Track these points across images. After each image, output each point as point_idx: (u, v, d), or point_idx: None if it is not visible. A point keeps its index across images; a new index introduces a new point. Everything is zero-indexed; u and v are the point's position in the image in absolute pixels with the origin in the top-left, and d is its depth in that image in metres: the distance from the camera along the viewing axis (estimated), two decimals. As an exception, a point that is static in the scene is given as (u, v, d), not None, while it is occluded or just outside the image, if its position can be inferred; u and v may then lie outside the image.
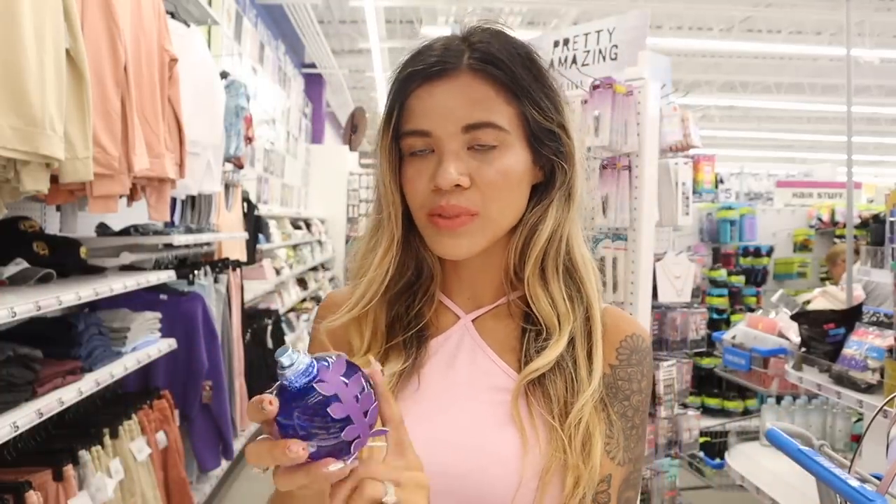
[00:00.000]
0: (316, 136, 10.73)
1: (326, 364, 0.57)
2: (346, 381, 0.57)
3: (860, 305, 2.82)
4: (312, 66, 9.71)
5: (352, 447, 0.57)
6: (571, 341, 0.82)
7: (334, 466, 0.57)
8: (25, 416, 1.80)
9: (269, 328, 5.22)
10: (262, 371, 4.85)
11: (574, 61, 2.54)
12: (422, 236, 0.84)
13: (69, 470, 2.08)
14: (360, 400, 0.57)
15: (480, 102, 0.78)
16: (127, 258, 2.98)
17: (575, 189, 0.84)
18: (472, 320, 0.87)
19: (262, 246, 5.87)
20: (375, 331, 0.85)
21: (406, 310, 0.86)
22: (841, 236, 5.02)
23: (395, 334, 0.85)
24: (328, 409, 0.55)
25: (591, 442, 0.78)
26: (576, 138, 0.85)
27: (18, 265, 2.13)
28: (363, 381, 0.59)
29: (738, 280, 4.57)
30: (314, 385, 0.55)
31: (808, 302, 3.88)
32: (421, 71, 0.80)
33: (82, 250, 2.46)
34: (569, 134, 0.84)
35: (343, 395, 0.56)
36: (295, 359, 0.55)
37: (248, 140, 4.31)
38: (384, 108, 0.84)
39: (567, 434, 0.77)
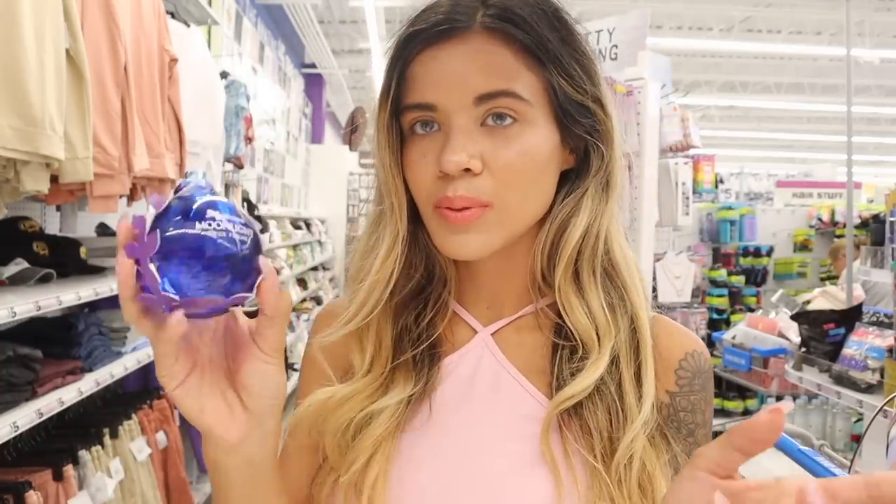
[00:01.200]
0: (316, 136, 10.73)
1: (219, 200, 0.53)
2: (236, 221, 0.52)
3: (860, 305, 2.82)
4: (312, 66, 9.70)
5: (232, 293, 0.52)
6: (615, 360, 0.67)
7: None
8: (25, 416, 1.79)
9: (269, 328, 5.21)
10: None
11: (574, 61, 2.53)
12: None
13: (69, 470, 2.08)
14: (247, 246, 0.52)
15: (496, 68, 0.64)
16: (127, 258, 2.98)
17: (614, 176, 0.70)
18: (492, 334, 0.72)
19: (262, 246, 5.86)
20: (379, 345, 0.71)
21: (415, 320, 0.72)
22: (841, 236, 5.02)
23: (402, 349, 0.71)
24: (219, 239, 0.50)
25: (652, 485, 0.63)
26: (614, 116, 0.70)
27: (18, 265, 2.13)
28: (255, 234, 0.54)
29: (738, 280, 4.58)
30: (208, 209, 0.51)
31: (808, 302, 3.89)
32: (423, 31, 0.66)
33: (82, 250, 2.46)
34: (606, 110, 0.69)
35: (233, 232, 0.51)
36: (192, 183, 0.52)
37: (248, 140, 4.32)
38: (383, 78, 0.70)
39: (615, 478, 0.63)
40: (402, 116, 0.68)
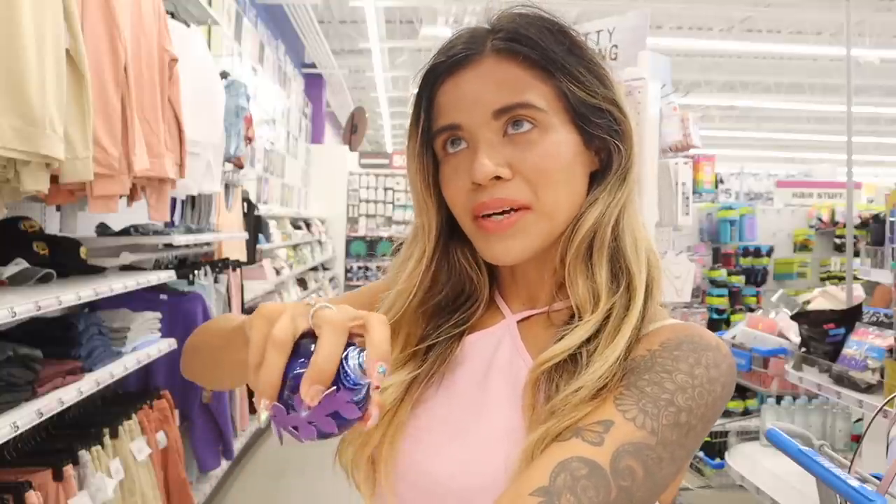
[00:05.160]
0: (316, 136, 10.72)
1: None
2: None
3: (860, 305, 2.82)
4: (312, 66, 9.70)
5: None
6: (599, 332, 0.69)
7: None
8: (25, 416, 1.79)
9: (269, 328, 5.21)
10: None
11: (574, 61, 2.53)
12: (464, 250, 0.78)
13: (69, 470, 2.08)
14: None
15: (508, 83, 0.71)
16: (127, 258, 2.98)
17: (631, 171, 0.75)
18: (519, 321, 0.78)
19: (262, 246, 5.87)
20: (406, 346, 0.79)
21: (447, 321, 0.79)
22: (841, 236, 5.02)
23: (427, 339, 0.79)
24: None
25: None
26: (631, 117, 0.76)
27: (18, 265, 2.13)
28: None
29: (738, 280, 4.58)
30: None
31: (808, 302, 3.89)
32: (443, 63, 0.74)
33: (82, 250, 2.46)
34: (622, 111, 0.74)
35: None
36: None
37: (248, 140, 4.31)
38: (412, 111, 0.78)
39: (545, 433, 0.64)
40: (434, 142, 0.75)
